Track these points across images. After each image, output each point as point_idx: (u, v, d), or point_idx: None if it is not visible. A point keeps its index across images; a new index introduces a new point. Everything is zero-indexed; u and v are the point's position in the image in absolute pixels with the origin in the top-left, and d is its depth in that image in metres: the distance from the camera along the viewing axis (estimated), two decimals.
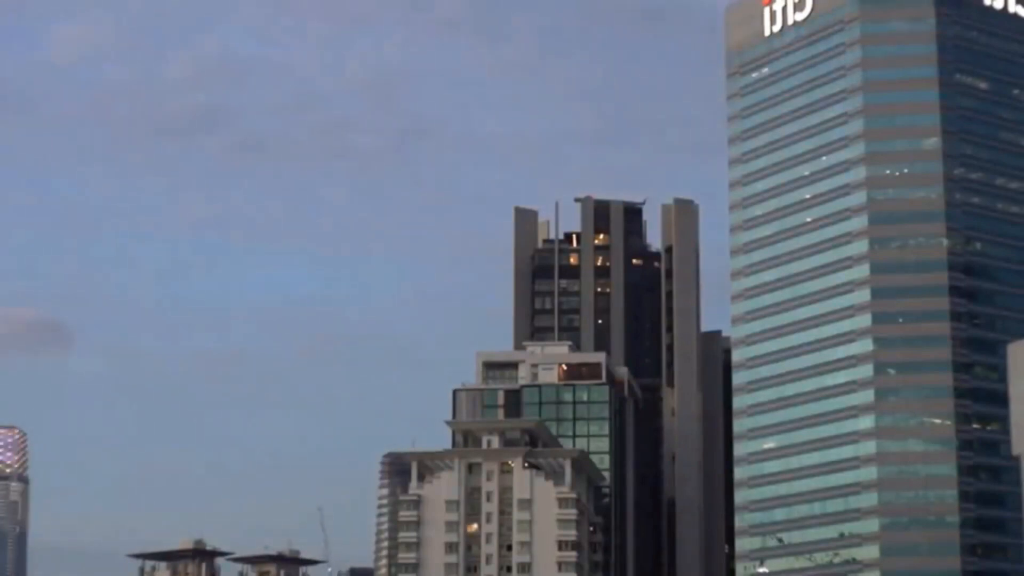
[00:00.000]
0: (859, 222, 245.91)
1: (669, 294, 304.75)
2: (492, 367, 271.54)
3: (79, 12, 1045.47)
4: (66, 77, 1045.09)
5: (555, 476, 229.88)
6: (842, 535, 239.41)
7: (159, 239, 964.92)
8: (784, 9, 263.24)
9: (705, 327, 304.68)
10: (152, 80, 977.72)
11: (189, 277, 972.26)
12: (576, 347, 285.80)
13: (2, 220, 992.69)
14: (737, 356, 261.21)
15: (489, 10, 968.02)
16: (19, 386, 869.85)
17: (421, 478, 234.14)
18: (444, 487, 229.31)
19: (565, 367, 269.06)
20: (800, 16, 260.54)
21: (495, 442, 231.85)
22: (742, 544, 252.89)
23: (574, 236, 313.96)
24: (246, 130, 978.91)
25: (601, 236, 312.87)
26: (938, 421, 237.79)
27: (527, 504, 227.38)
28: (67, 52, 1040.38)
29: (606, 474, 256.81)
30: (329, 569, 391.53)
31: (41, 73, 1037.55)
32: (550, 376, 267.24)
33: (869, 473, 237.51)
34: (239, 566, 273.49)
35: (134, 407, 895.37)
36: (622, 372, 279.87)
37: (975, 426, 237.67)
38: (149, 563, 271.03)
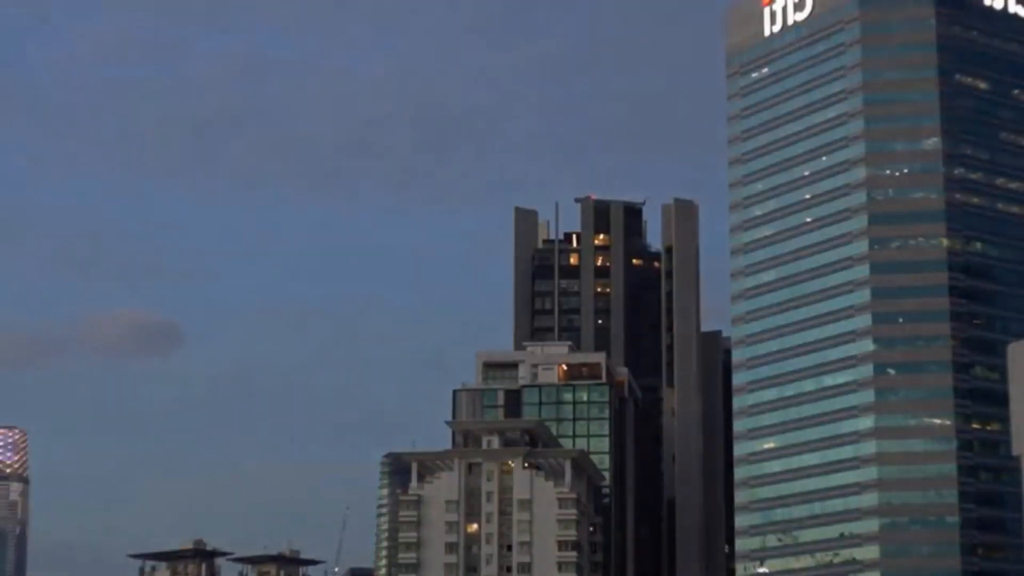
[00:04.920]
0: (859, 222, 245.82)
1: (669, 294, 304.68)
2: (492, 367, 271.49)
3: (104, 12, 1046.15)
4: (91, 76, 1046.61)
5: (555, 476, 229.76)
6: (842, 535, 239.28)
7: (174, 239, 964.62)
8: (784, 9, 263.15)
9: (705, 327, 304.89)
10: (178, 80, 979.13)
11: (197, 276, 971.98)
12: (576, 347, 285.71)
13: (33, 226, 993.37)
14: (737, 356, 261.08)
15: (497, 14, 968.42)
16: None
17: (421, 478, 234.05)
18: (444, 487, 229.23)
19: (565, 367, 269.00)
20: (800, 16, 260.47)
21: (495, 442, 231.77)
22: (742, 544, 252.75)
23: (574, 236, 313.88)
24: (268, 131, 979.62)
25: (601, 236, 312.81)
26: (938, 421, 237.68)
27: (527, 504, 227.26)
28: (92, 52, 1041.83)
29: (606, 474, 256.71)
30: (336, 569, 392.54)
31: (65, 73, 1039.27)
32: (550, 376, 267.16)
33: (869, 473, 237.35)
34: (239, 566, 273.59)
35: (133, 407, 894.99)
36: (622, 372, 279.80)
37: (975, 426, 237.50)
38: (149, 563, 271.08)
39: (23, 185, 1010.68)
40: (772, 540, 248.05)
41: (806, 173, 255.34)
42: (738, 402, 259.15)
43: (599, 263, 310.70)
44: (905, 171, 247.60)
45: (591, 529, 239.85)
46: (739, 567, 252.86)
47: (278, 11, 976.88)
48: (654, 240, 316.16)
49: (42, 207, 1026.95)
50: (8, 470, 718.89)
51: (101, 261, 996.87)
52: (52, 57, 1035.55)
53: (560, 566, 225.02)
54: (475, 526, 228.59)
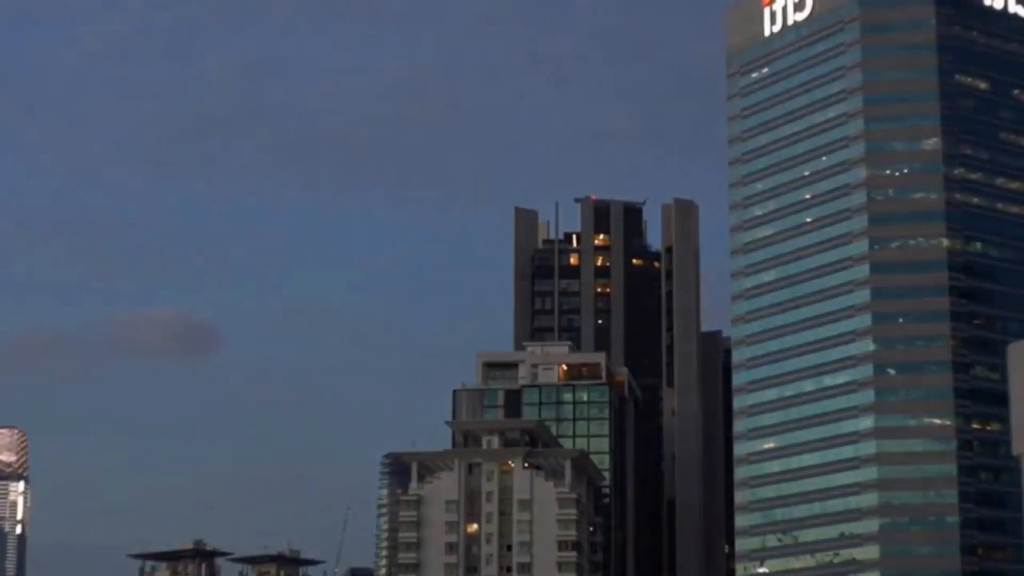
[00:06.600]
0: (859, 222, 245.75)
1: (669, 294, 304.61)
2: (492, 367, 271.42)
3: (113, 12, 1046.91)
4: (102, 76, 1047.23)
5: (555, 476, 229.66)
6: (842, 535, 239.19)
7: (187, 239, 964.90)
8: (784, 9, 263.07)
9: (705, 327, 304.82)
10: (188, 79, 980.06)
11: (206, 278, 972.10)
12: (576, 347, 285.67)
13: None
14: (737, 356, 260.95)
15: (498, 15, 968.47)
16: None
17: (421, 478, 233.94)
18: (444, 487, 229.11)
19: (565, 367, 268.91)
20: (800, 16, 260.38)
21: (495, 442, 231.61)
22: (742, 544, 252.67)
23: (574, 236, 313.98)
24: (273, 130, 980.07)
25: (601, 236, 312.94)
26: (938, 421, 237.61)
27: (527, 504, 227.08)
28: (101, 50, 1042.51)
29: (606, 474, 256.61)
30: (336, 569, 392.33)
31: (74, 71, 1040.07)
32: (550, 376, 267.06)
33: (869, 473, 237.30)
34: (239, 566, 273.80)
35: (134, 407, 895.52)
36: (622, 372, 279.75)
37: (975, 426, 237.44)
38: (149, 563, 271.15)
39: (39, 185, 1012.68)
40: (772, 540, 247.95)
41: (806, 173, 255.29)
42: (738, 402, 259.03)
43: (599, 263, 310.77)
44: (905, 171, 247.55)
45: (591, 529, 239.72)
46: (739, 567, 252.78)
47: (286, 11, 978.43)
48: (654, 240, 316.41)
49: (51, 207, 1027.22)
50: (8, 470, 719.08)
51: (117, 262, 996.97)
52: (65, 57, 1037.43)
53: (560, 566, 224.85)
54: (475, 526, 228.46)
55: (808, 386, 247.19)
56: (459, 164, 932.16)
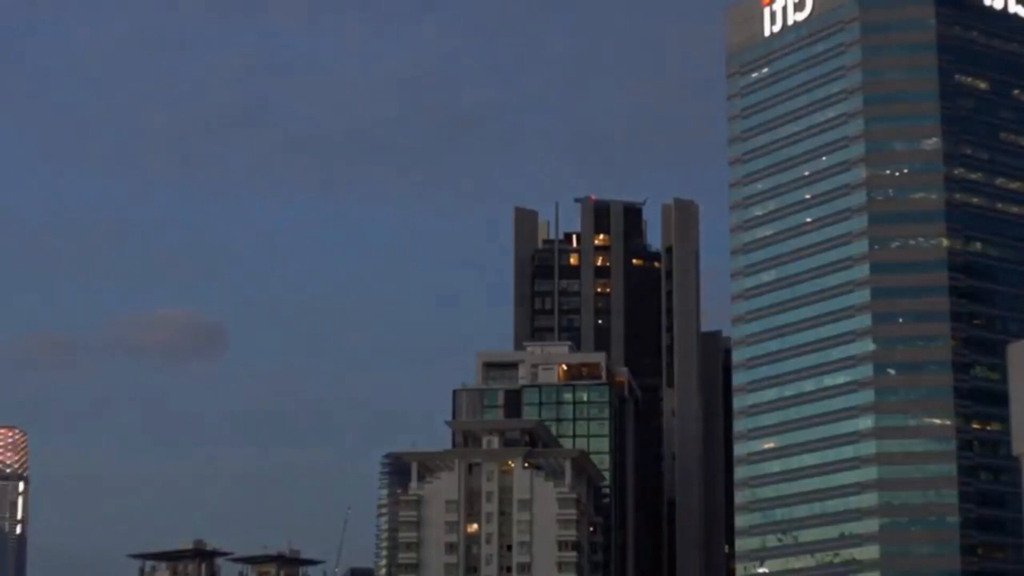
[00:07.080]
0: (859, 222, 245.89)
1: (669, 294, 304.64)
2: (492, 367, 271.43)
3: (112, 12, 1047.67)
4: (100, 75, 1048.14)
5: (555, 476, 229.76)
6: (842, 535, 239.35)
7: (186, 239, 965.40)
8: (784, 9, 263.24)
9: (705, 327, 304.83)
10: (188, 79, 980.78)
11: (207, 279, 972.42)
12: (576, 347, 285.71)
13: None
14: (737, 356, 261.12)
15: (498, 15, 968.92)
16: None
17: (421, 478, 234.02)
18: (444, 487, 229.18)
19: (565, 367, 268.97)
20: (800, 16, 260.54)
21: (495, 442, 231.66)
22: (742, 544, 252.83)
23: (574, 236, 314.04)
24: (271, 130, 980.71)
25: (601, 236, 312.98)
26: (938, 421, 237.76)
27: (527, 504, 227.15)
28: (101, 50, 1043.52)
29: (606, 474, 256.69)
30: (337, 569, 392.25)
31: (74, 71, 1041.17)
32: (550, 376, 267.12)
33: (869, 473, 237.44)
34: (239, 566, 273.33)
35: (134, 407, 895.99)
36: (622, 372, 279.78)
37: (975, 426, 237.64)
38: (149, 563, 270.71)
39: (40, 185, 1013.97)
40: (772, 540, 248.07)
41: (806, 173, 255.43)
42: (738, 402, 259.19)
43: (599, 263, 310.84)
44: (905, 171, 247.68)
45: (591, 529, 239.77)
46: (739, 567, 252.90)
47: (286, 11, 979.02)
48: (654, 240, 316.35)
49: (52, 207, 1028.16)
50: (8, 470, 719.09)
51: (117, 262, 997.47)
52: (65, 57, 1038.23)
53: (560, 566, 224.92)
54: (475, 526, 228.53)
55: (808, 386, 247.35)
56: (459, 164, 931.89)
